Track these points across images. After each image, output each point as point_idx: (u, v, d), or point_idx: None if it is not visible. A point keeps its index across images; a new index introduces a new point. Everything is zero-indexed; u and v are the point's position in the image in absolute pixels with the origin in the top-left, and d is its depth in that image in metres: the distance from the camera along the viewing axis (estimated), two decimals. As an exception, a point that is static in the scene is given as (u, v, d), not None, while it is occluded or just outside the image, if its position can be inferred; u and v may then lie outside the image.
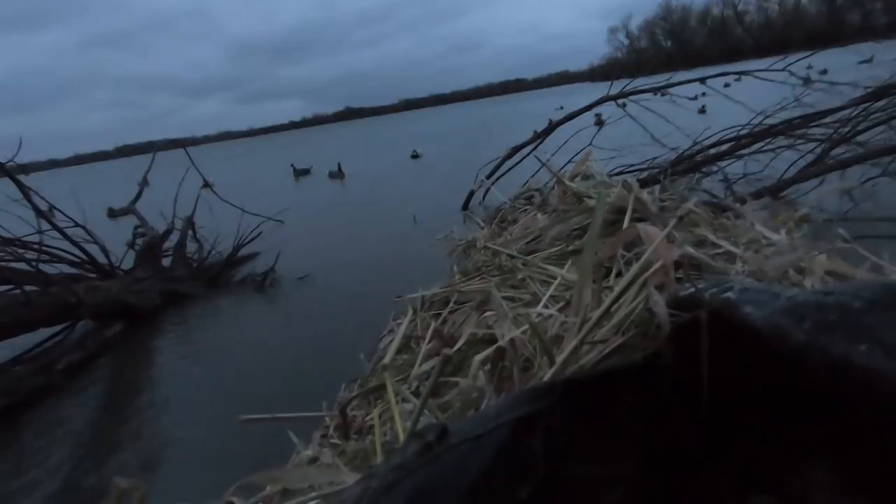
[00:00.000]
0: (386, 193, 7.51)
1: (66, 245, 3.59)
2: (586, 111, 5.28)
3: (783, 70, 4.34)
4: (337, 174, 10.42)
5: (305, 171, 12.28)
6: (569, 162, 3.88)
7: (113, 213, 9.15)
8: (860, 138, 3.61)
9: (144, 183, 5.61)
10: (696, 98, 9.88)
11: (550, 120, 6.11)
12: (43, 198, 3.63)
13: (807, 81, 4.60)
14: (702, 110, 9.64)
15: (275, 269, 3.91)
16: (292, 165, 12.65)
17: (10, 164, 3.35)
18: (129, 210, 5.35)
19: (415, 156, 11.74)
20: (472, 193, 5.11)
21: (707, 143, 4.13)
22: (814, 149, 3.76)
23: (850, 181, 3.42)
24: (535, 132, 5.47)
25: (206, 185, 6.01)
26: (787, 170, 3.62)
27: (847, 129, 3.67)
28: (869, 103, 3.75)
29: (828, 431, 0.52)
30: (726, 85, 10.14)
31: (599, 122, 7.07)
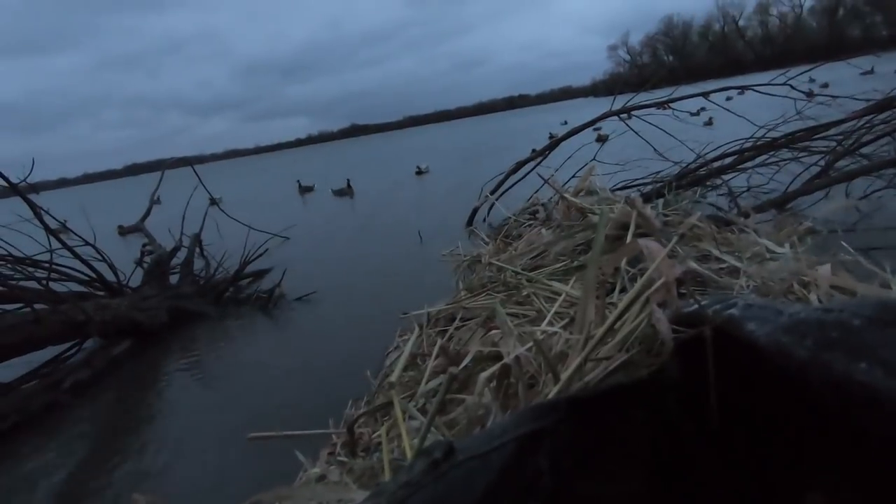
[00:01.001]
0: (391, 210, 7.56)
1: (75, 263, 3.63)
2: (589, 126, 5.32)
3: (785, 84, 4.36)
4: (346, 190, 10.37)
5: (309, 188, 12.38)
6: (572, 177, 3.91)
7: (123, 231, 9.28)
8: (864, 150, 3.62)
9: (156, 201, 5.69)
10: (698, 113, 9.96)
11: (551, 134, 6.15)
12: (53, 216, 3.69)
13: (808, 94, 4.62)
14: (709, 122, 9.70)
15: (281, 286, 3.93)
16: (298, 182, 12.78)
17: (22, 184, 3.41)
18: (137, 228, 5.42)
19: (419, 172, 11.75)
20: (476, 209, 5.13)
21: (711, 156, 4.14)
22: (818, 161, 3.76)
23: (856, 195, 3.43)
24: (534, 150, 5.50)
25: (214, 202, 6.08)
26: (791, 182, 3.63)
27: (851, 142, 3.67)
28: (872, 115, 3.75)
29: (830, 448, 0.52)
30: (728, 98, 10.21)
31: (601, 139, 7.10)
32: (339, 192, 10.43)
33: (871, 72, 13.78)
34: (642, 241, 0.84)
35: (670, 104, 4.84)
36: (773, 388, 0.59)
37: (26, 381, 2.88)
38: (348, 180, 10.64)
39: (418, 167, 11.90)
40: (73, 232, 3.98)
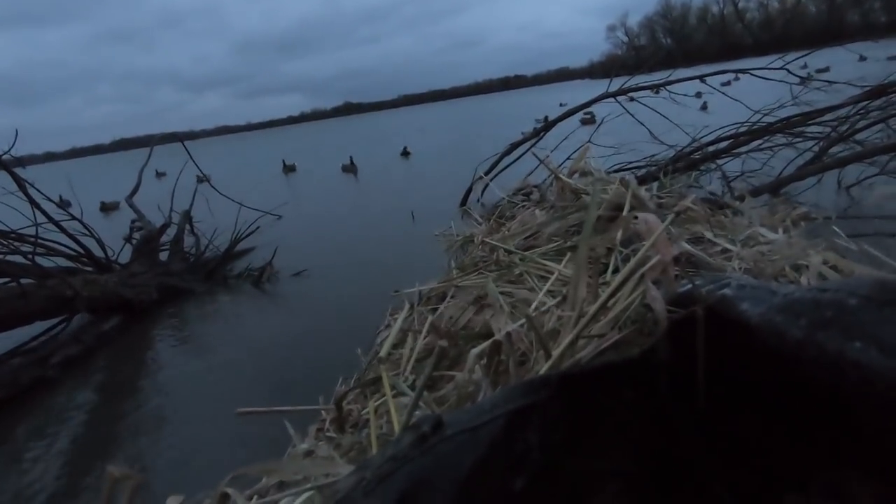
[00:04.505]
0: (383, 189, 7.50)
1: (62, 238, 3.58)
2: (585, 108, 5.28)
3: (781, 69, 4.34)
4: (349, 168, 10.63)
5: (292, 168, 12.48)
6: (567, 159, 3.89)
7: (105, 207, 9.15)
8: (858, 137, 3.62)
9: (162, 173, 5.61)
10: (699, 95, 9.87)
11: (546, 117, 6.09)
12: (40, 190, 3.61)
13: (804, 80, 4.60)
14: (703, 107, 9.64)
15: (272, 263, 3.90)
16: (284, 161, 12.78)
17: (6, 156, 3.33)
18: (118, 204, 5.32)
19: (405, 153, 11.70)
20: (470, 189, 5.10)
21: (705, 140, 4.13)
22: (812, 147, 3.76)
23: (848, 181, 3.44)
24: (522, 134, 5.46)
25: (203, 179, 5.99)
26: (785, 168, 3.63)
27: (845, 128, 3.67)
28: (867, 102, 3.75)
29: (823, 428, 0.52)
30: (725, 84, 10.13)
31: (591, 122, 7.06)
32: (344, 169, 10.65)
33: (865, 59, 13.65)
34: (641, 215, 0.83)
35: (666, 87, 4.81)
36: (767, 368, 0.59)
37: (14, 357, 2.86)
38: (351, 157, 10.81)
39: (405, 148, 11.86)
40: (60, 206, 3.91)
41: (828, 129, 3.78)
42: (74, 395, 2.53)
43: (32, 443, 2.13)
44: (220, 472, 0.82)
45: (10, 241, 3.29)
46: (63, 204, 3.83)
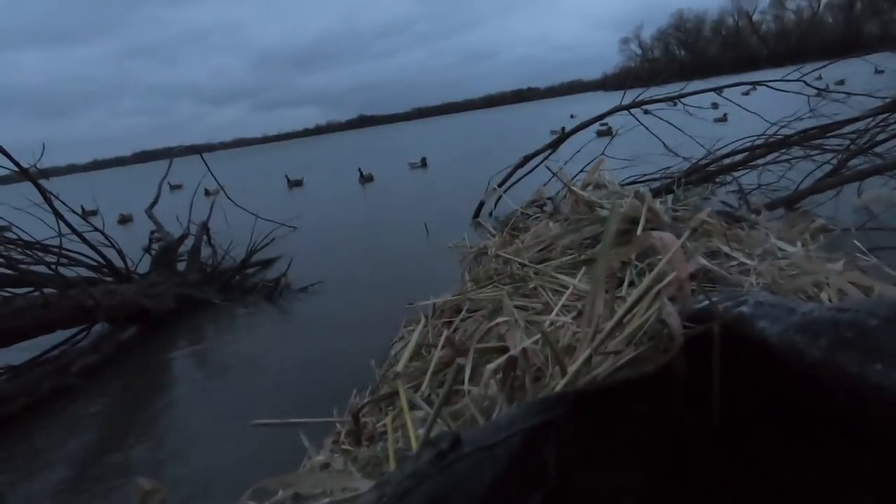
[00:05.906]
0: (397, 201, 7.55)
1: (84, 248, 3.66)
2: (599, 120, 5.28)
3: (798, 80, 4.30)
4: (364, 179, 10.94)
5: (298, 182, 12.51)
6: (580, 171, 3.89)
7: (122, 220, 9.34)
8: (878, 149, 3.56)
9: (178, 186, 5.73)
10: (715, 106, 9.76)
11: (563, 128, 6.10)
12: (64, 202, 3.70)
13: (822, 92, 4.55)
14: (724, 118, 9.52)
15: (287, 275, 3.94)
16: (287, 176, 12.83)
17: (32, 169, 3.42)
18: (132, 216, 5.44)
19: (421, 165, 11.78)
20: (483, 202, 5.11)
21: (721, 153, 4.10)
22: (830, 160, 3.71)
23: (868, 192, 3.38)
24: (547, 142, 5.47)
25: (212, 192, 6.08)
26: (802, 181, 3.58)
27: (864, 140, 3.62)
28: (887, 114, 3.69)
29: (841, 449, 0.51)
30: (744, 94, 10.03)
31: (608, 133, 7.03)
32: (361, 179, 10.98)
33: (882, 72, 13.38)
34: (656, 234, 0.83)
35: (681, 99, 4.79)
36: (784, 387, 0.58)
37: (35, 365, 2.91)
38: (360, 169, 11.09)
39: (423, 160, 11.93)
40: (81, 217, 4.01)
41: (846, 142, 3.73)
42: (92, 403, 2.57)
43: (49, 450, 2.16)
44: (234, 483, 0.83)
45: (35, 251, 3.37)
46: (87, 214, 3.94)
